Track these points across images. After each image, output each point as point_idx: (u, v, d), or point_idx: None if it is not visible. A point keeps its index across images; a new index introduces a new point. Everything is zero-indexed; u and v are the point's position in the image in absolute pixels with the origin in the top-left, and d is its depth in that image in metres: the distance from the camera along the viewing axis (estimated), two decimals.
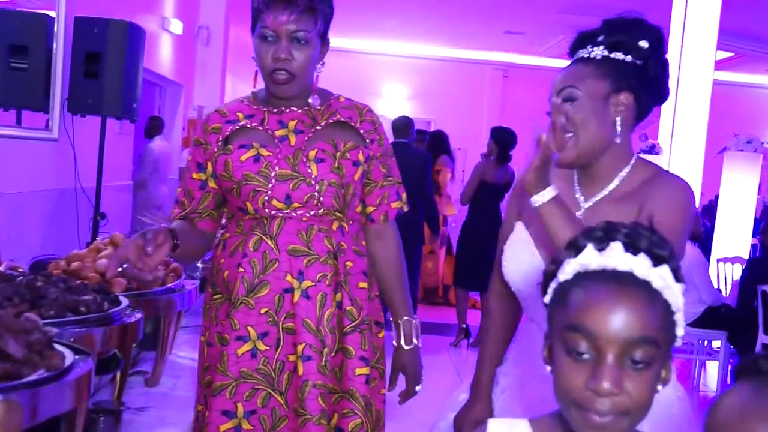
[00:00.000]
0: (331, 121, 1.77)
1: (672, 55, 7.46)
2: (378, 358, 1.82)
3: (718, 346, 5.05)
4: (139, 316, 1.46)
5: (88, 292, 1.39)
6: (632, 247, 0.92)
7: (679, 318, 0.93)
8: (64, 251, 3.28)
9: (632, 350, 0.88)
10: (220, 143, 1.71)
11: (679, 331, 0.94)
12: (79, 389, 1.08)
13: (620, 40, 1.52)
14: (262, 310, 1.68)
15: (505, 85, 14.89)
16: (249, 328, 1.67)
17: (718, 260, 5.73)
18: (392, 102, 15.11)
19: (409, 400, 1.92)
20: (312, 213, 1.70)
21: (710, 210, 7.11)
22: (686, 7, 7.50)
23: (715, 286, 5.78)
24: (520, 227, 1.60)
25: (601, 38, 1.54)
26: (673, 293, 0.92)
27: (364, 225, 1.86)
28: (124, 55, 3.99)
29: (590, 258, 0.92)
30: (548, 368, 0.96)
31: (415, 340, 1.88)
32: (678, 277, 0.94)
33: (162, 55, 6.23)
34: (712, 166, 6.80)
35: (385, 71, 14.51)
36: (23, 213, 4.09)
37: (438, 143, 6.44)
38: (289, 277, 1.68)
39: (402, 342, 1.86)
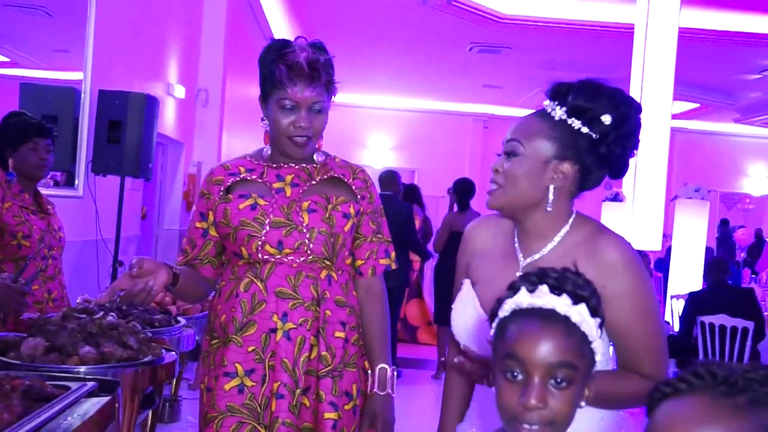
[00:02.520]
0: (325, 177, 1.86)
1: None
2: (362, 404, 1.85)
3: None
4: (192, 331, 2.00)
5: (157, 313, 1.96)
6: (557, 289, 1.08)
7: (597, 346, 1.09)
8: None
9: (554, 372, 1.04)
10: (221, 193, 1.83)
11: (598, 357, 1.09)
12: (171, 370, 1.62)
13: (582, 107, 1.43)
14: (250, 348, 1.75)
15: (486, 134, 15.41)
16: (237, 365, 1.74)
17: (672, 296, 6.32)
18: (377, 152, 15.57)
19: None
20: (302, 259, 1.78)
21: (663, 263, 7.69)
22: (644, 63, 7.99)
23: (669, 321, 6.35)
24: (467, 285, 1.58)
25: (569, 98, 1.45)
26: (590, 326, 1.07)
27: (353, 277, 1.91)
28: (142, 123, 4.53)
29: (522, 298, 1.09)
30: (493, 389, 1.11)
31: (389, 389, 1.88)
32: (596, 313, 1.09)
33: (167, 117, 6.80)
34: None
35: (371, 123, 15.04)
36: None
37: (412, 195, 7.17)
38: (275, 318, 1.75)
39: (376, 388, 1.86)
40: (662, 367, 1.43)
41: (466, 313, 1.53)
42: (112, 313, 1.69)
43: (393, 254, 1.96)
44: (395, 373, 1.90)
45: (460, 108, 15.10)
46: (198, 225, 1.87)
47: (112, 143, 4.53)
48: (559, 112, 1.44)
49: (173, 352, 1.64)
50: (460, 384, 1.62)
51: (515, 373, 1.06)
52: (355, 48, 10.44)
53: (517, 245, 1.51)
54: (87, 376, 1.35)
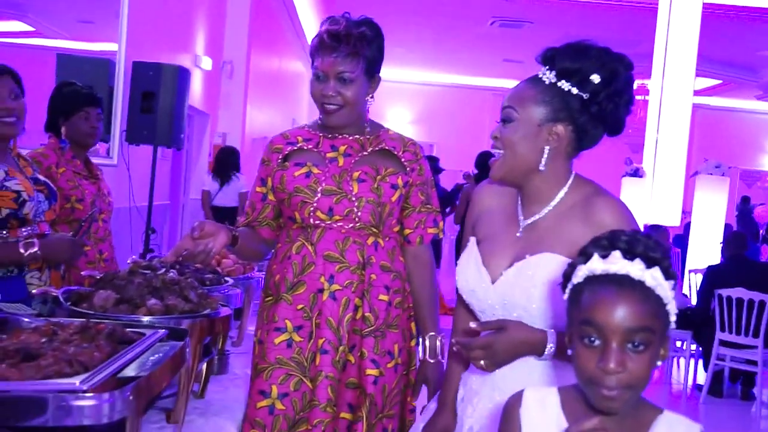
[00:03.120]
0: (377, 149, 1.94)
1: (654, 84, 8.05)
2: (404, 362, 1.94)
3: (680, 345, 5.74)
4: (239, 290, 2.12)
5: (208, 272, 2.10)
6: (629, 253, 1.09)
7: (671, 308, 1.10)
8: (122, 261, 3.93)
9: (632, 337, 1.06)
10: (279, 161, 1.93)
11: (672, 318, 1.11)
12: (226, 323, 1.74)
13: (570, 69, 1.47)
14: (299, 306, 1.85)
15: None
16: (287, 321, 1.85)
17: (690, 271, 6.40)
18: (396, 126, 15.53)
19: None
20: (350, 226, 1.87)
21: (682, 239, 7.77)
22: (667, 39, 7.98)
23: (687, 293, 6.45)
24: (472, 242, 1.63)
25: (556, 61, 1.48)
26: (664, 289, 1.09)
27: (402, 245, 1.99)
28: (174, 94, 4.64)
29: (596, 264, 1.10)
30: (569, 351, 1.14)
31: (438, 356, 1.96)
32: (669, 275, 1.10)
33: (194, 88, 6.92)
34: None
35: (390, 96, 14.95)
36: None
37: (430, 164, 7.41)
38: (322, 279, 1.84)
39: (427, 356, 1.96)
40: None
41: (469, 269, 1.57)
42: (173, 270, 1.82)
43: (441, 224, 2.03)
44: (443, 340, 1.95)
45: (480, 82, 15.11)
46: (258, 189, 1.99)
47: (145, 113, 4.64)
48: (549, 76, 1.48)
49: (228, 307, 1.77)
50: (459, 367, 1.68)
51: (593, 339, 1.08)
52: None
53: (519, 207, 1.57)
54: (155, 325, 1.48)
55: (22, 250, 1.96)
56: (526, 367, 1.48)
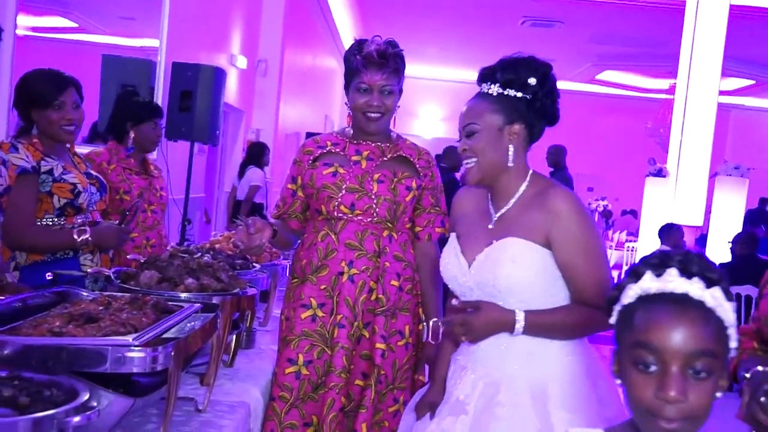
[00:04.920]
0: (395, 155, 2.21)
1: (680, 84, 8.12)
2: (414, 343, 2.18)
3: None
4: (265, 274, 2.39)
5: (238, 258, 2.37)
6: (686, 272, 1.02)
7: (732, 333, 1.03)
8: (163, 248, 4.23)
9: (693, 362, 0.97)
10: (310, 161, 2.20)
11: (732, 344, 1.03)
12: (252, 302, 1.98)
13: (512, 78, 1.72)
14: (322, 287, 2.13)
15: None
16: (311, 299, 2.13)
17: None
18: (427, 122, 15.80)
19: None
20: (369, 220, 2.13)
21: (702, 240, 7.85)
22: (693, 41, 8.03)
23: None
24: (452, 237, 1.88)
25: (498, 75, 1.74)
26: (725, 311, 1.02)
27: (412, 241, 2.24)
28: (211, 93, 4.91)
29: (649, 283, 1.03)
30: (618, 381, 1.06)
31: (440, 338, 2.08)
32: (729, 296, 1.03)
33: (229, 86, 7.21)
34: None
35: (422, 94, 15.28)
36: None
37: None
38: (342, 264, 2.11)
39: (429, 338, 2.13)
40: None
41: (449, 260, 1.82)
42: (207, 255, 2.08)
43: (448, 225, 2.19)
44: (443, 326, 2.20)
45: None
46: (289, 186, 2.27)
47: (184, 111, 4.90)
48: (494, 89, 1.74)
49: (254, 288, 2.03)
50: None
51: (648, 364, 0.99)
52: (407, 20, 10.68)
53: (490, 204, 1.82)
54: (191, 300, 1.74)
55: (75, 236, 2.26)
56: (503, 343, 1.72)
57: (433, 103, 15.75)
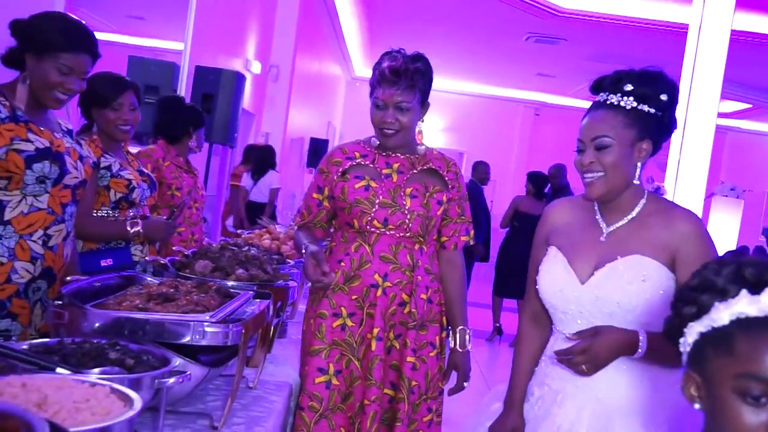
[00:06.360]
0: (425, 168, 2.21)
1: (680, 107, 8.32)
2: (436, 352, 2.21)
3: None
4: (297, 270, 2.58)
5: (275, 254, 2.56)
6: None
7: None
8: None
9: None
10: (339, 173, 2.19)
11: None
12: (289, 291, 2.18)
13: (647, 93, 1.68)
14: (353, 297, 2.13)
15: (536, 122, 15.66)
16: (342, 308, 2.13)
17: None
18: (428, 133, 15.88)
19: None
20: (401, 234, 2.14)
21: None
22: (694, 63, 8.23)
23: None
24: (553, 251, 1.79)
25: (628, 87, 1.68)
26: None
27: (437, 250, 2.26)
28: (231, 97, 5.11)
29: (747, 307, 0.91)
30: (696, 406, 0.98)
31: (467, 346, 2.25)
32: None
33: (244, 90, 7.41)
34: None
35: None
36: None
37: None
38: (376, 276, 2.11)
39: (457, 346, 2.24)
40: None
41: (555, 273, 1.75)
42: (254, 248, 2.27)
43: (472, 233, 2.32)
44: (470, 333, 2.27)
45: (512, 94, 15.33)
46: (315, 196, 2.27)
47: (205, 114, 5.08)
48: (629, 102, 1.69)
49: (294, 281, 2.21)
50: (532, 344, 1.89)
51: (760, 396, 0.90)
52: (411, 32, 10.87)
53: (599, 217, 1.77)
54: (243, 288, 1.92)
55: (128, 228, 2.45)
56: (615, 367, 1.65)
57: (435, 113, 15.83)
